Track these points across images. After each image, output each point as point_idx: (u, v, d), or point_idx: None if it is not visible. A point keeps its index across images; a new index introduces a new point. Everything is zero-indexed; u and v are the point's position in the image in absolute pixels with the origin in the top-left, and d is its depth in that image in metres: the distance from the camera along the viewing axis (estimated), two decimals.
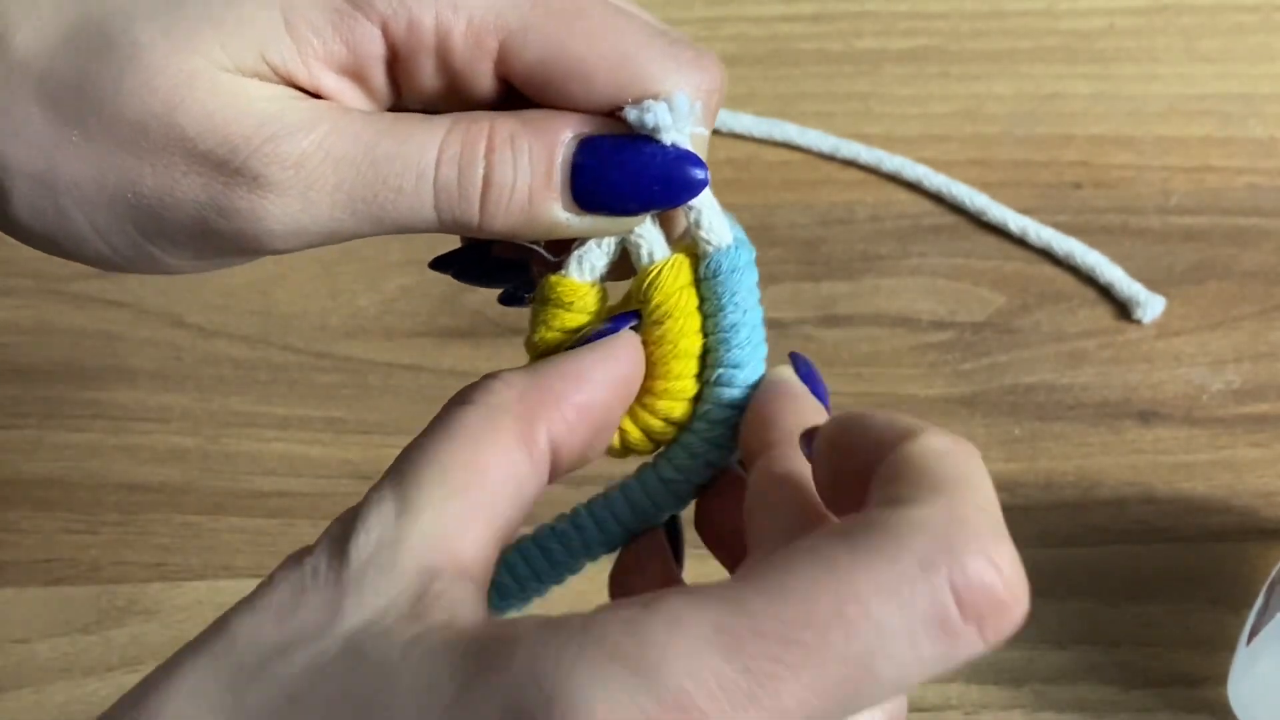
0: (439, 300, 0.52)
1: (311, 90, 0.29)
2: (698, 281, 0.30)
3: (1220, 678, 0.45)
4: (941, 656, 0.22)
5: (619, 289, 0.31)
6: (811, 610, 0.22)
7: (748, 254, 0.30)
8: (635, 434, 0.30)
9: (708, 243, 0.30)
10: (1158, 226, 0.55)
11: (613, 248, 0.30)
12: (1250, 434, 0.51)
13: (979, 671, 0.46)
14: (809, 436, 0.28)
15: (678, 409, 0.30)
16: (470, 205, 0.29)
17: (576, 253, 0.30)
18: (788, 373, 0.31)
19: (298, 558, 0.26)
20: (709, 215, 0.30)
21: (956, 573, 0.22)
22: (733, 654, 0.21)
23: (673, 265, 0.30)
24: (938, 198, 0.56)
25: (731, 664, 0.21)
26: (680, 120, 0.29)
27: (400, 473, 0.27)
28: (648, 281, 0.30)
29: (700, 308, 0.30)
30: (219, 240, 0.29)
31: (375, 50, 0.29)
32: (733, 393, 0.30)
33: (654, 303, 0.29)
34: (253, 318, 0.53)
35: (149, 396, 0.51)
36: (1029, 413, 0.51)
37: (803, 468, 0.28)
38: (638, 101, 0.28)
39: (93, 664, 0.46)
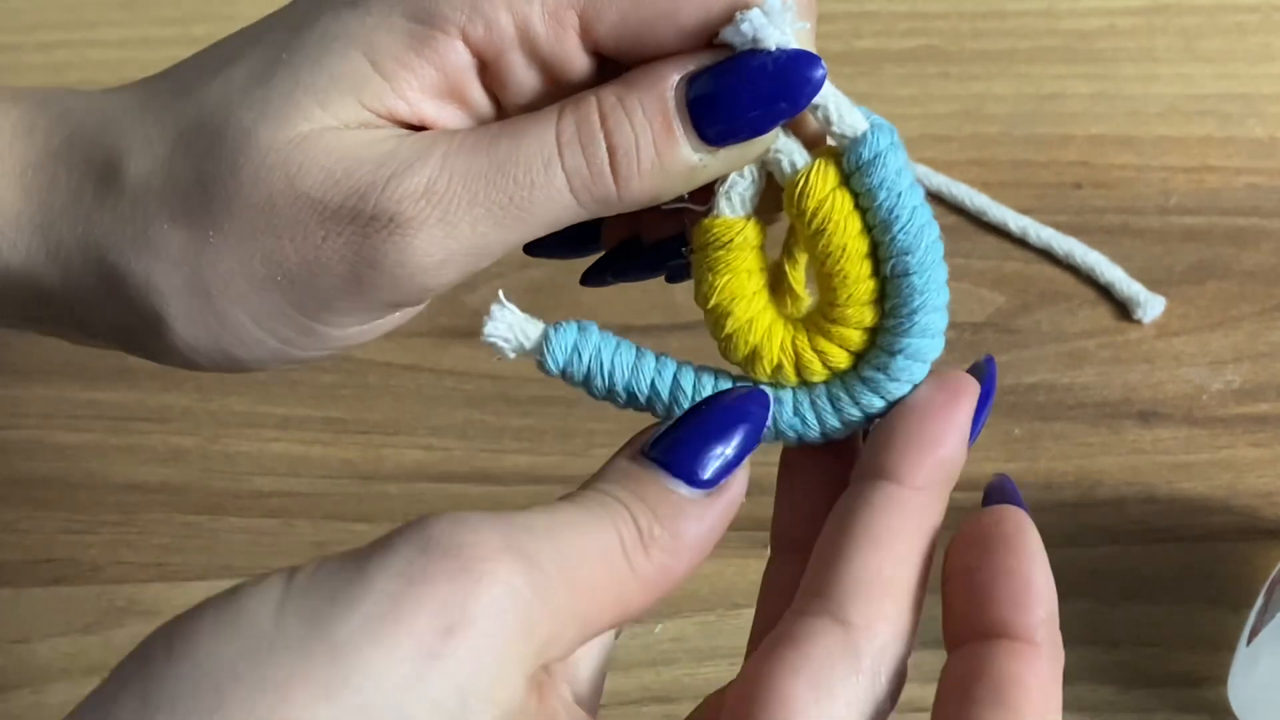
0: (439, 300, 0.52)
1: (417, 123, 0.29)
2: (846, 179, 0.28)
3: (1220, 678, 0.45)
4: None
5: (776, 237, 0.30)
6: None
7: (888, 135, 0.28)
8: (817, 366, 0.29)
9: (844, 136, 0.28)
10: (1158, 226, 0.55)
11: (755, 174, 0.29)
12: (1250, 434, 0.51)
13: None
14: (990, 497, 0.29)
15: (868, 315, 0.29)
16: (604, 179, 0.29)
17: (721, 190, 0.29)
18: (958, 381, 0.29)
19: None
20: (837, 107, 0.28)
21: None
22: None
23: (817, 169, 0.28)
24: (938, 197, 0.56)
25: None
26: (778, 20, 0.27)
27: None
28: (797, 192, 0.28)
29: (857, 204, 0.28)
30: (378, 293, 0.29)
31: (463, 62, 0.29)
32: (912, 280, 0.28)
33: (809, 211, 0.28)
34: None
35: (149, 396, 0.51)
36: (1029, 413, 0.51)
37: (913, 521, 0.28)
38: (730, 21, 0.28)
39: (93, 664, 0.46)
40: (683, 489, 0.27)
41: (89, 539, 0.49)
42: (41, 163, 0.31)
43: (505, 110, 0.30)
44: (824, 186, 0.28)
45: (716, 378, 0.29)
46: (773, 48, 0.28)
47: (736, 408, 0.28)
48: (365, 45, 0.29)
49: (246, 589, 0.23)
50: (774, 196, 0.30)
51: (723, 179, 0.29)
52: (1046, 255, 0.54)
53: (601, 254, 0.35)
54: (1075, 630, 0.47)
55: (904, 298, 0.28)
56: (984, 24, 0.60)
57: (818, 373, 0.29)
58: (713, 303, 0.29)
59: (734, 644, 0.47)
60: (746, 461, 0.28)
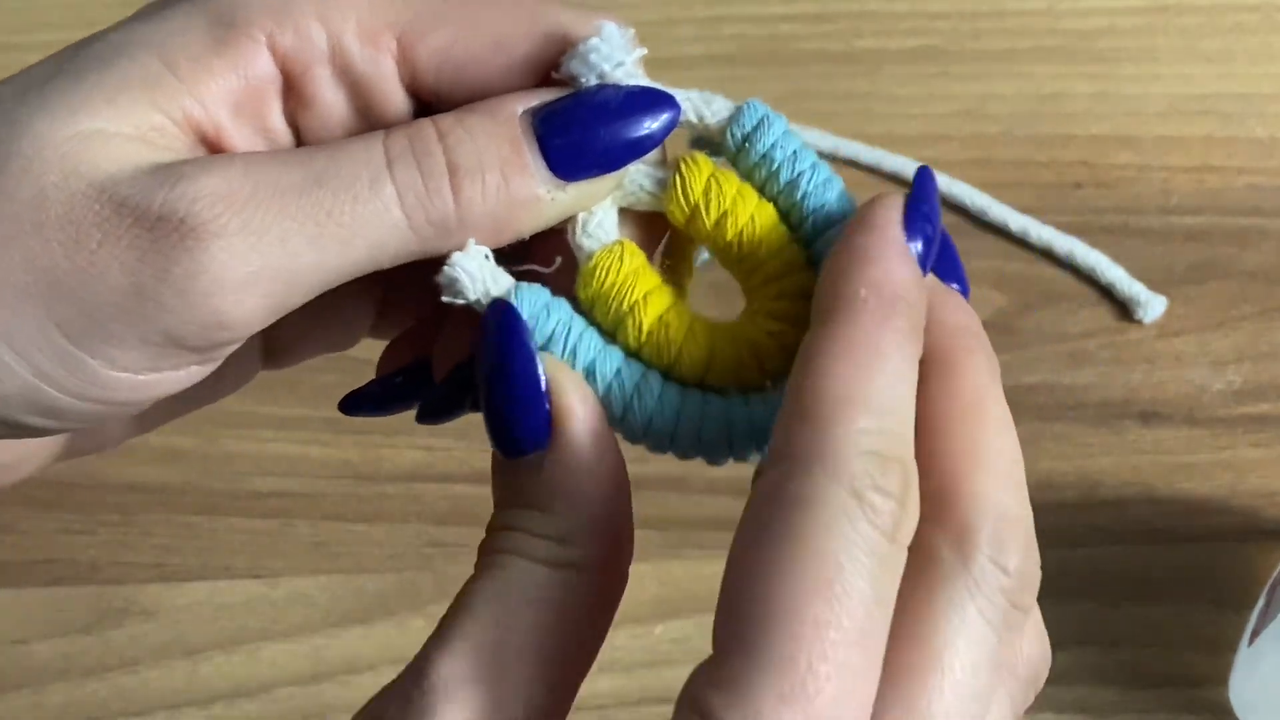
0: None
1: (213, 136, 0.26)
2: (733, 161, 0.27)
3: (1222, 678, 0.45)
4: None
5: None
6: None
7: (761, 106, 0.27)
8: (775, 360, 0.26)
9: (719, 122, 0.27)
10: (1158, 226, 0.55)
11: (606, 205, 0.27)
12: (1251, 434, 0.51)
13: None
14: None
15: (806, 279, 0.26)
16: (442, 196, 0.25)
17: (578, 231, 0.26)
18: (884, 208, 0.25)
19: None
20: (697, 105, 0.27)
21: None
22: None
23: (686, 164, 0.26)
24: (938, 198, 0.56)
25: None
26: (618, 48, 0.26)
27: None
28: (679, 193, 0.26)
29: (751, 181, 0.27)
30: (162, 316, 0.24)
31: (266, 72, 0.26)
32: (837, 230, 0.26)
33: (701, 201, 0.26)
34: None
35: None
36: (1030, 413, 0.51)
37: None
38: (575, 49, 0.26)
39: (91, 665, 0.46)
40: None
41: (87, 539, 0.49)
42: None
43: (306, 142, 0.27)
44: (703, 174, 0.26)
45: (683, 393, 0.26)
46: (620, 79, 0.26)
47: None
48: (161, 47, 0.26)
49: None
50: (637, 219, 0.28)
51: (572, 222, 0.26)
52: (1047, 255, 0.54)
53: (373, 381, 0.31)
54: (1076, 630, 0.47)
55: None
56: (984, 24, 0.60)
57: (776, 360, 0.26)
58: (644, 337, 0.26)
59: None
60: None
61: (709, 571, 0.45)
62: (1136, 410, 0.51)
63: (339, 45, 0.26)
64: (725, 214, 0.26)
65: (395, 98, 0.27)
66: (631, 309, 0.26)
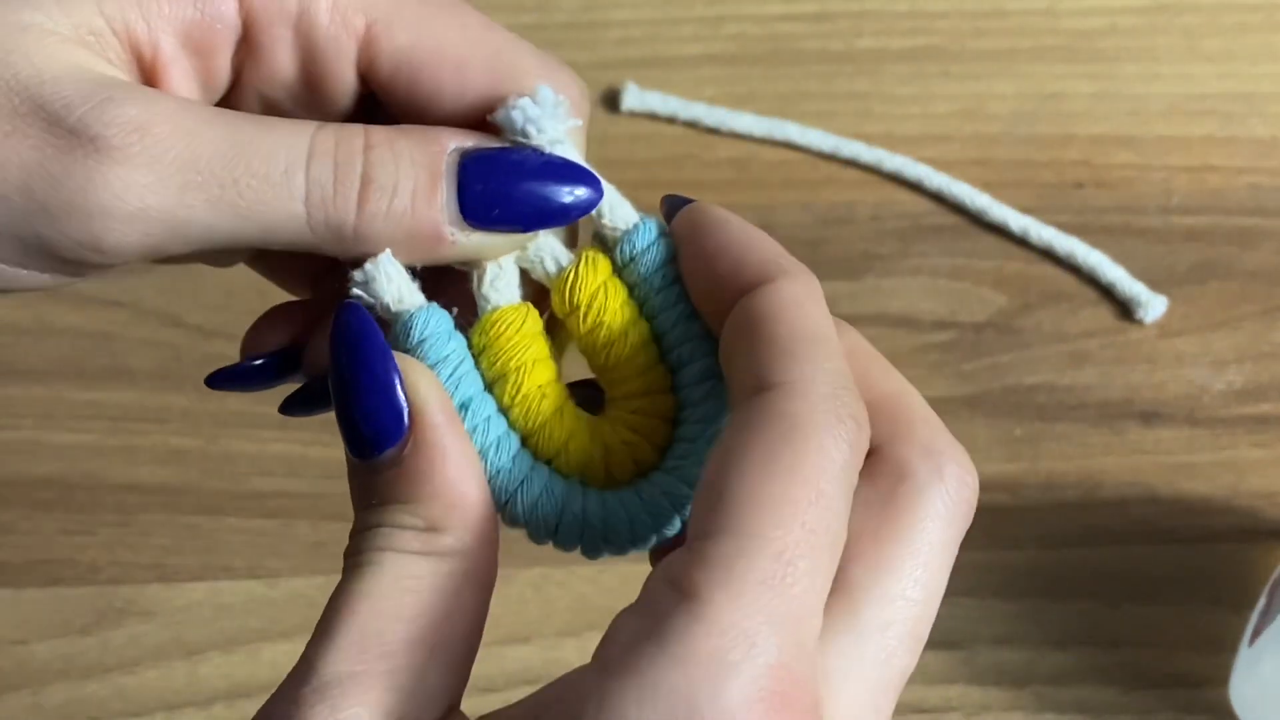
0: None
1: (149, 62, 0.26)
2: (618, 271, 0.27)
3: (1222, 679, 0.45)
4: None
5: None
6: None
7: (656, 228, 0.28)
8: (625, 461, 0.27)
9: (615, 229, 0.27)
10: (1159, 226, 0.55)
11: (514, 267, 0.27)
12: (1252, 434, 0.51)
13: (981, 673, 0.46)
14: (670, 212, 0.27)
15: (664, 404, 0.27)
16: (347, 204, 0.25)
17: (485, 282, 0.27)
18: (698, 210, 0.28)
19: None
20: (609, 202, 0.27)
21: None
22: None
23: (587, 261, 0.27)
24: (939, 197, 0.56)
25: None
26: (549, 113, 0.26)
27: None
28: (568, 286, 0.27)
29: (631, 295, 0.27)
30: (45, 222, 0.24)
31: (228, 15, 0.26)
32: (705, 363, 0.27)
33: (583, 305, 0.27)
34: (252, 318, 0.53)
35: (148, 397, 0.51)
36: (1030, 413, 0.51)
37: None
38: (507, 102, 0.26)
39: (91, 665, 0.46)
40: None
41: (87, 540, 0.49)
42: None
43: (241, 102, 0.28)
44: (595, 278, 0.27)
45: (521, 449, 0.27)
46: (545, 145, 0.26)
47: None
48: None
49: None
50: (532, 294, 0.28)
51: (480, 272, 0.27)
52: (1048, 255, 0.54)
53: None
54: (1077, 631, 0.47)
55: (695, 384, 0.27)
56: (985, 23, 0.60)
57: (625, 469, 0.27)
58: (519, 399, 0.27)
59: None
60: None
61: None
62: (1137, 410, 0.51)
63: (308, 12, 0.26)
64: (601, 325, 0.27)
65: (345, 79, 0.27)
66: (517, 369, 0.26)
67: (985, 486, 0.51)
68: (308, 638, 0.50)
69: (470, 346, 0.27)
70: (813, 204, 0.55)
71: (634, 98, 0.57)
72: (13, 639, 0.47)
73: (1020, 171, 0.56)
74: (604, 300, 0.27)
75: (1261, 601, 0.44)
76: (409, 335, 0.26)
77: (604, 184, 0.27)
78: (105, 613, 0.47)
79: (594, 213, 0.27)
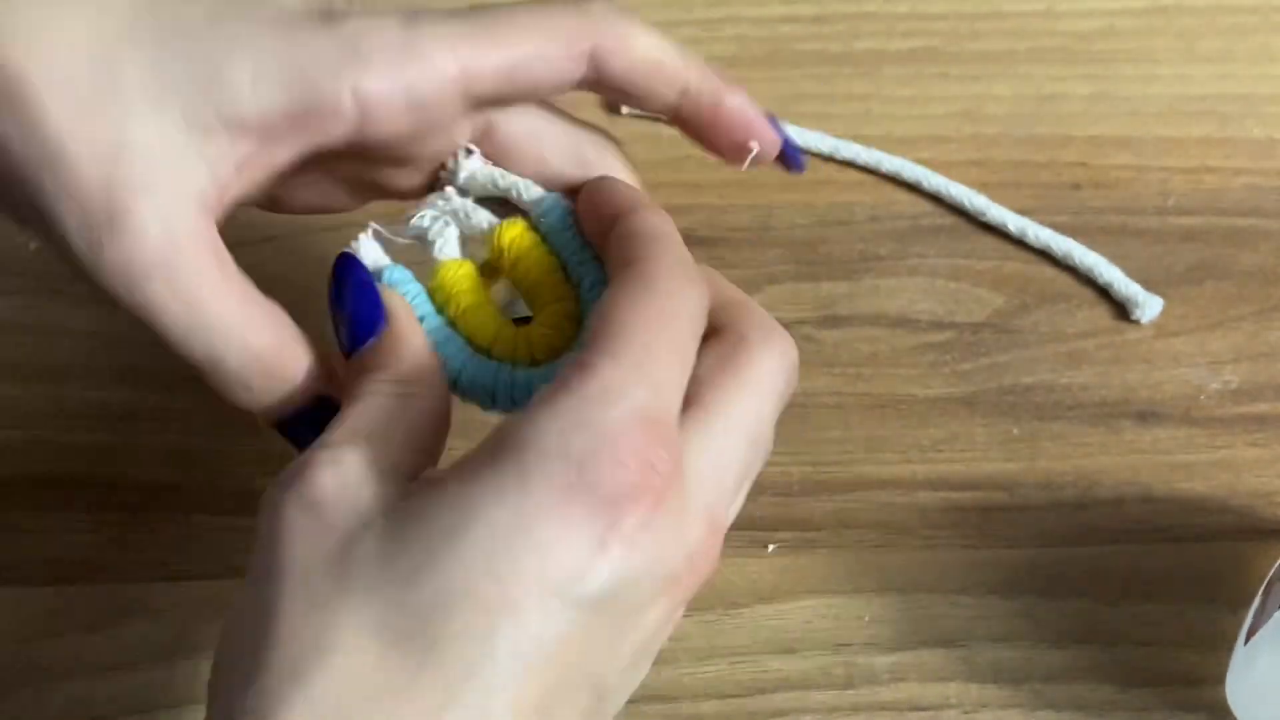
0: None
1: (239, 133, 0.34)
2: (533, 228, 0.38)
3: (1218, 677, 0.45)
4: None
5: None
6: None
7: (559, 198, 0.38)
8: (542, 351, 0.36)
9: (530, 201, 0.38)
10: (1156, 227, 0.55)
11: (455, 229, 0.38)
12: (1248, 434, 0.51)
13: (977, 670, 0.47)
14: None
15: (570, 309, 0.37)
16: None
17: (436, 246, 0.38)
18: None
19: None
20: (522, 188, 0.38)
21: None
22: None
23: (510, 222, 0.38)
24: (937, 198, 0.56)
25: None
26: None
27: None
28: (497, 234, 0.38)
29: (549, 247, 0.38)
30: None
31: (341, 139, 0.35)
32: (596, 276, 0.37)
33: (507, 245, 0.37)
34: None
35: (152, 396, 0.52)
36: (1028, 413, 0.51)
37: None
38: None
39: (95, 664, 0.47)
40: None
41: (93, 539, 0.49)
42: None
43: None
44: (514, 229, 0.37)
45: (474, 356, 0.37)
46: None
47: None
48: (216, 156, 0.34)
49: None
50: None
51: (430, 241, 0.38)
52: (1045, 256, 0.55)
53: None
54: (1074, 629, 0.47)
55: (589, 290, 0.37)
56: (983, 25, 0.60)
57: (546, 354, 0.37)
58: (460, 313, 0.37)
59: (734, 643, 0.47)
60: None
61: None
62: (1134, 410, 0.52)
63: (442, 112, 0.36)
64: (519, 261, 0.37)
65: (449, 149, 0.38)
66: (457, 295, 0.37)
67: (983, 485, 0.51)
68: None
69: (429, 291, 0.37)
70: (812, 205, 0.56)
71: None
72: (17, 637, 0.47)
73: (1018, 172, 0.56)
74: (521, 241, 0.37)
75: (1257, 600, 0.44)
76: (383, 280, 0.37)
77: (512, 177, 0.38)
78: (110, 611, 0.48)
79: (514, 196, 0.38)
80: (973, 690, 0.46)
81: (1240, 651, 0.44)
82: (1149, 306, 0.53)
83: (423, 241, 0.38)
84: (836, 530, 0.49)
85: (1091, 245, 0.54)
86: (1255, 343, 0.53)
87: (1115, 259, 0.54)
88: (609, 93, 0.38)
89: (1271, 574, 0.45)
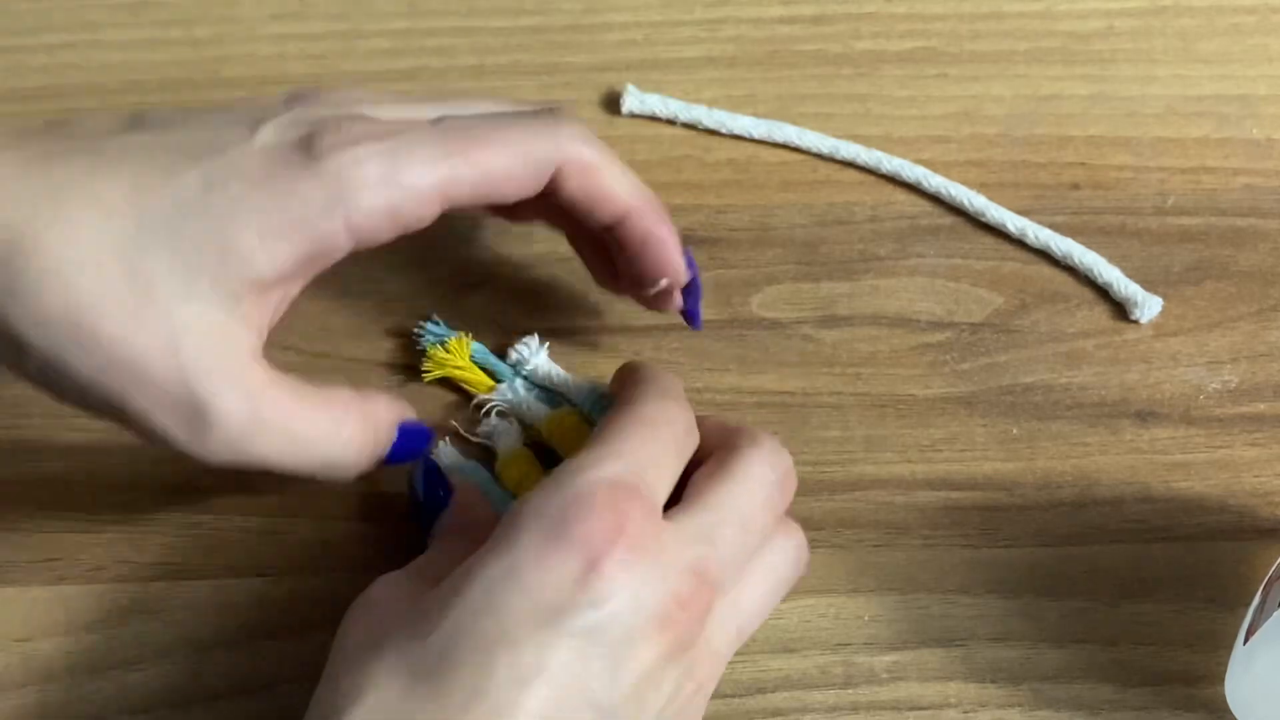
0: (441, 300, 0.53)
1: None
2: (584, 415, 0.49)
3: (1217, 676, 0.45)
4: None
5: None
6: None
7: (596, 390, 0.49)
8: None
9: (576, 398, 0.49)
10: (1155, 227, 0.55)
11: (518, 429, 0.49)
12: (1247, 434, 0.51)
13: (977, 670, 0.47)
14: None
15: None
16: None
17: (500, 448, 0.49)
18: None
19: None
20: (578, 386, 0.49)
21: None
22: None
23: (559, 415, 0.49)
24: (936, 198, 0.56)
25: None
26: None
27: None
28: (545, 427, 0.49)
29: (584, 420, 0.48)
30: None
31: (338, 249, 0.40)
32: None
33: (554, 436, 0.49)
34: None
35: None
36: (1027, 412, 0.51)
37: None
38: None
39: (96, 663, 0.47)
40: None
41: (91, 538, 0.49)
42: None
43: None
44: (562, 423, 0.48)
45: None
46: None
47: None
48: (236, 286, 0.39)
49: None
50: None
51: (495, 441, 0.49)
52: (1044, 255, 0.55)
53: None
54: (1073, 628, 0.47)
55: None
56: (982, 25, 0.60)
57: None
58: (510, 485, 0.48)
59: None
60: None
61: None
62: (1133, 410, 0.52)
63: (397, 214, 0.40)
64: (563, 438, 0.48)
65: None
66: (517, 479, 0.47)
67: (982, 485, 0.52)
68: (311, 635, 0.50)
69: (494, 472, 0.48)
70: (812, 205, 0.56)
71: (634, 100, 0.57)
72: (18, 636, 0.47)
73: (1017, 172, 0.57)
74: (563, 431, 0.48)
75: (1256, 599, 0.44)
76: (455, 470, 0.47)
77: (563, 374, 0.49)
78: (110, 610, 0.48)
79: (565, 388, 0.49)
80: (972, 689, 0.46)
81: (1239, 651, 0.44)
82: (1148, 306, 0.53)
83: (491, 440, 0.49)
84: (836, 530, 0.49)
85: (1090, 245, 0.54)
86: (1254, 342, 0.53)
87: (1114, 259, 0.54)
88: (556, 203, 0.42)
89: (1271, 574, 0.45)
